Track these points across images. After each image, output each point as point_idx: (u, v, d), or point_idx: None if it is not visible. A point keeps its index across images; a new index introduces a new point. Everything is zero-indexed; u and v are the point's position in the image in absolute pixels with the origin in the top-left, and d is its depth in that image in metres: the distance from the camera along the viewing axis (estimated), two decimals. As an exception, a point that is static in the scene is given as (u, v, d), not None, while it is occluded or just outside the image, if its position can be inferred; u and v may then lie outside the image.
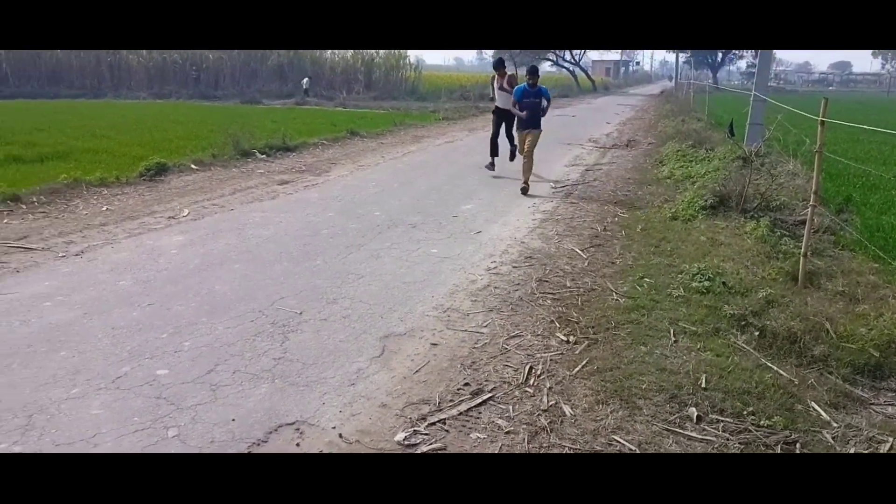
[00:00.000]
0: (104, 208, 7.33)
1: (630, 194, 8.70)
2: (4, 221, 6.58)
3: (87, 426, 2.96)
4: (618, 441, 2.94)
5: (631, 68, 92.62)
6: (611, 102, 34.80)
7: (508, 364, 3.75)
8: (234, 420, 3.06)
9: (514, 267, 5.52)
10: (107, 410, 3.11)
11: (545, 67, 62.27)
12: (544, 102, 8.90)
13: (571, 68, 53.22)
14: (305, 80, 32.21)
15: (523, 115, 8.79)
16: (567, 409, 3.23)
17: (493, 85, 10.25)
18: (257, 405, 3.20)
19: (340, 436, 2.97)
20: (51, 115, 18.23)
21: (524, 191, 8.64)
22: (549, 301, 4.72)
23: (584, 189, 9.15)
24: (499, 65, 10.06)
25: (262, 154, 11.46)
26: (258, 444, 2.88)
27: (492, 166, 10.12)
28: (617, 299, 4.69)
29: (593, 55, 65.83)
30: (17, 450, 2.77)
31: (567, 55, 53.07)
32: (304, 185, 8.99)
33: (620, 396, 3.32)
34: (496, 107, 10.01)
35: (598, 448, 2.90)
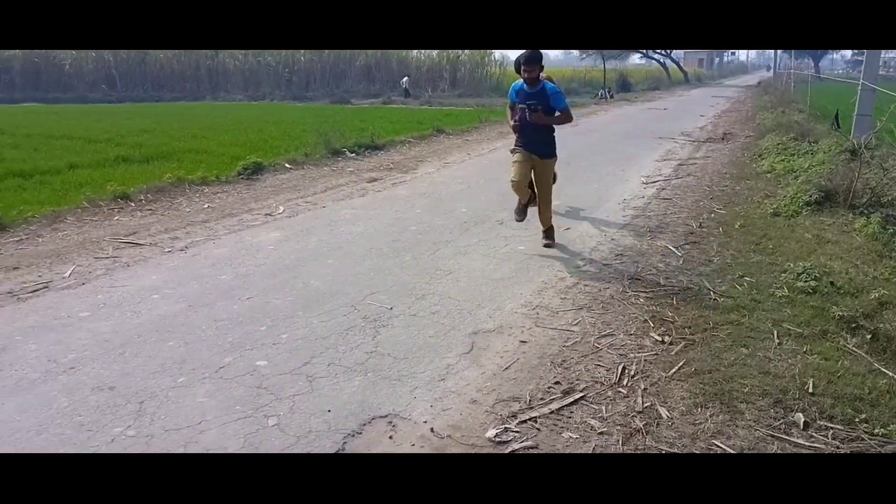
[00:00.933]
0: (206, 206, 7.70)
1: (727, 190, 8.35)
2: (116, 218, 7.03)
3: (194, 413, 3.12)
4: (718, 446, 2.83)
5: (726, 58, 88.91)
6: (704, 94, 33.56)
7: (600, 363, 3.68)
8: (329, 411, 3.14)
9: (605, 264, 5.41)
10: (211, 399, 3.26)
11: (634, 59, 60.71)
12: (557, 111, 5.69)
13: (662, 59, 51.58)
14: (405, 79, 32.44)
15: (526, 125, 5.69)
16: (663, 412, 3.13)
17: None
18: (351, 397, 3.27)
19: (432, 430, 3.00)
20: (155, 117, 19.33)
21: (549, 245, 5.92)
22: (641, 300, 4.59)
23: (677, 184, 8.85)
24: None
25: (352, 153, 11.73)
26: (353, 436, 2.95)
27: (521, 213, 6.18)
28: (715, 299, 4.51)
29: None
30: (131, 434, 2.94)
31: (657, 46, 51.45)
32: (392, 183, 9.14)
33: (721, 400, 3.19)
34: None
35: (697, 452, 2.80)
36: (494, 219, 6.93)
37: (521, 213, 6.13)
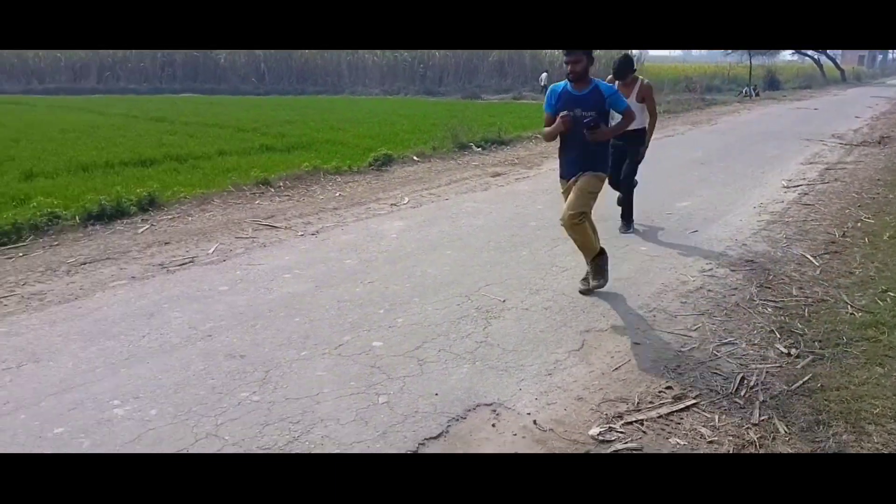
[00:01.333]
0: (337, 194, 8.10)
1: (878, 198, 7.67)
2: (256, 202, 7.55)
3: (313, 385, 3.33)
4: (839, 467, 2.65)
5: (890, 56, 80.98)
6: (862, 94, 30.83)
7: (718, 372, 3.54)
8: (437, 394, 3.24)
9: (733, 270, 5.16)
10: (329, 373, 3.46)
11: (784, 55, 56.71)
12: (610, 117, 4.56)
13: (816, 56, 47.83)
14: (543, 75, 31.97)
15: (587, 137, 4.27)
16: (781, 427, 2.97)
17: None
18: (458, 383, 3.36)
19: (535, 422, 3.02)
20: (298, 109, 20.47)
21: (592, 288, 4.60)
22: (769, 309, 4.35)
23: (822, 190, 8.23)
24: (624, 67, 5.75)
25: (478, 147, 11.87)
26: (457, 420, 3.03)
27: (627, 226, 6.24)
28: (852, 313, 4.19)
29: (845, 41, 58.19)
30: (255, 399, 3.19)
31: (812, 42, 47.74)
32: (515, 178, 9.17)
33: (846, 419, 2.98)
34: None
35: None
36: (617, 217, 6.77)
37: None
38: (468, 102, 26.20)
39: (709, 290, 4.71)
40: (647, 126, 6.10)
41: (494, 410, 3.13)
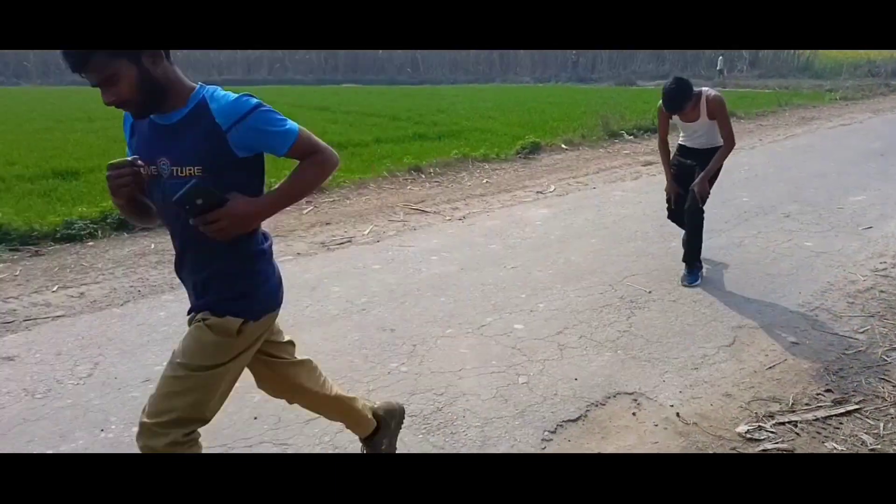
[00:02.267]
0: (484, 181, 8.25)
1: None
2: (409, 188, 7.88)
3: (456, 361, 3.47)
4: None
5: None
6: None
7: (886, 378, 3.27)
8: (576, 379, 3.27)
9: (912, 271, 4.70)
10: (471, 351, 3.59)
11: None
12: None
13: None
14: (720, 58, 30.06)
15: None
16: (957, 441, 2.71)
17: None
18: (599, 370, 3.36)
19: (678, 415, 2.96)
20: (450, 98, 20.93)
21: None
22: (954, 314, 3.93)
23: None
24: (676, 99, 4.19)
25: (630, 135, 11.55)
26: (596, 406, 3.04)
27: (693, 275, 4.58)
28: None
29: None
30: (403, 370, 3.38)
31: None
32: (669, 167, 8.84)
33: None
34: (680, 146, 4.76)
35: None
36: (780, 211, 6.37)
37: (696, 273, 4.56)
38: (622, 89, 25.48)
39: (881, 291, 4.33)
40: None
41: (635, 400, 3.11)
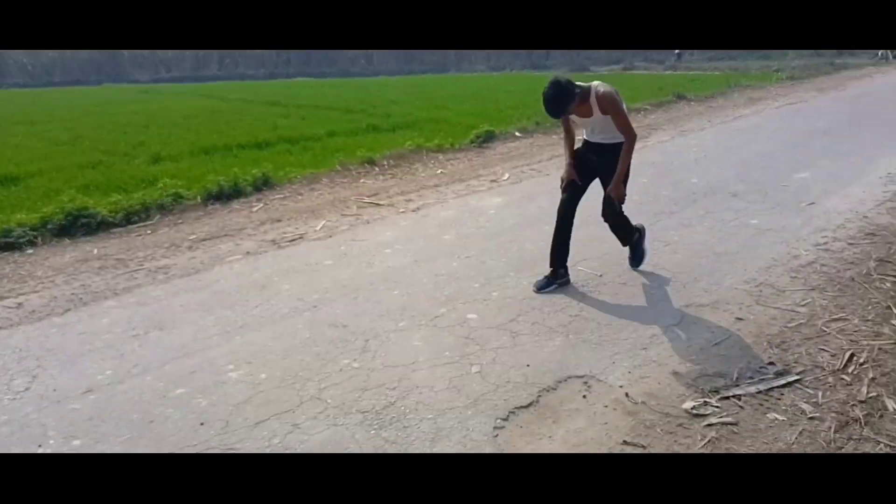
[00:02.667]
0: (438, 171, 8.22)
1: None
2: (361, 181, 7.81)
3: (409, 354, 3.46)
4: (957, 451, 2.48)
5: None
6: None
7: (825, 348, 3.37)
8: (528, 365, 3.29)
9: (850, 244, 4.84)
10: (425, 343, 3.58)
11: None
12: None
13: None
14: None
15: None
16: (891, 404, 2.80)
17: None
18: (551, 355, 3.38)
19: (627, 395, 3.00)
20: (404, 89, 20.81)
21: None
22: (888, 284, 4.06)
23: (963, 157, 7.50)
24: (555, 104, 3.95)
25: (582, 121, 11.64)
26: (548, 391, 3.06)
27: (554, 279, 4.31)
28: None
29: None
30: (355, 365, 3.35)
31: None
32: (620, 151, 8.93)
33: (970, 402, 2.76)
34: (584, 140, 4.43)
35: (930, 455, 2.48)
36: (727, 190, 6.49)
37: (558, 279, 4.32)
38: (576, 75, 25.61)
39: (822, 265, 4.45)
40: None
41: (586, 382, 3.14)
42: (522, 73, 29.56)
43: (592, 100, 4.03)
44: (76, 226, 5.76)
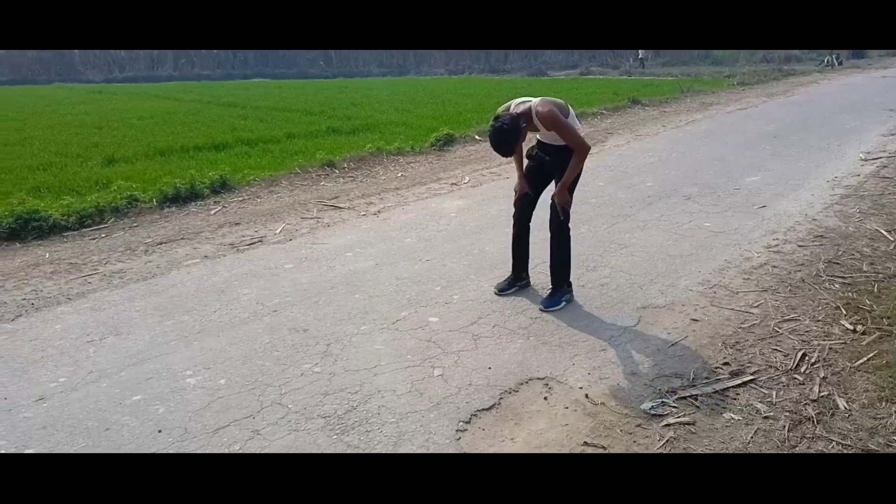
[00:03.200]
0: (399, 174, 8.22)
1: (967, 169, 7.23)
2: (322, 183, 7.76)
3: (370, 358, 3.45)
4: (900, 445, 2.59)
5: None
6: (959, 58, 28.80)
7: (778, 348, 3.47)
8: (490, 368, 3.32)
9: (800, 246, 5.00)
10: (387, 347, 3.58)
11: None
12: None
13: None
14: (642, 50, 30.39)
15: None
16: (841, 403, 2.91)
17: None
18: (512, 357, 3.42)
19: (587, 396, 3.05)
20: (364, 91, 20.74)
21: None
22: (836, 285, 4.21)
23: (903, 162, 7.82)
24: (501, 144, 3.87)
25: (542, 124, 11.77)
26: (509, 393, 3.10)
27: (515, 281, 4.34)
28: (926, 289, 4.02)
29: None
30: (317, 370, 3.34)
31: None
32: (578, 155, 9.06)
33: (911, 397, 2.89)
34: (537, 140, 4.23)
35: (874, 448, 2.58)
36: (682, 193, 6.65)
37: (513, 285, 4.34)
38: (533, 80, 25.93)
39: (773, 267, 4.59)
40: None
41: (547, 384, 3.18)
42: (482, 77, 29.74)
43: (536, 121, 3.88)
44: (27, 229, 5.60)
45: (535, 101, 3.91)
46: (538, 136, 4.17)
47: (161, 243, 5.47)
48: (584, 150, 3.95)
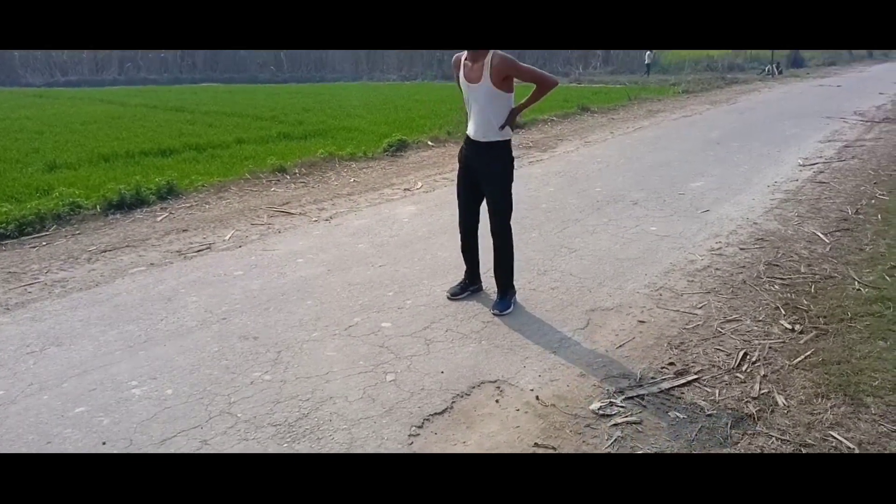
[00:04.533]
0: (351, 180, 8.19)
1: (895, 174, 7.59)
2: (272, 189, 7.67)
3: (322, 365, 3.43)
4: (834, 437, 2.70)
5: (922, 28, 78.90)
6: (889, 70, 30.24)
7: (720, 348, 3.58)
8: (442, 372, 3.33)
9: (742, 249, 5.17)
10: (339, 353, 3.56)
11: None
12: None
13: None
14: (648, 53, 30.05)
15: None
16: (780, 399, 3.02)
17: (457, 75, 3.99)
18: (464, 361, 3.44)
19: (537, 398, 3.10)
20: (316, 97, 20.58)
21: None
22: (776, 286, 4.37)
23: (838, 168, 8.16)
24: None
25: (493, 130, 11.87)
26: (462, 396, 3.12)
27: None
28: (858, 289, 4.20)
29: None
30: (267, 378, 3.30)
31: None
32: (528, 161, 9.18)
33: (845, 392, 3.02)
34: (465, 137, 4.12)
35: (811, 442, 2.69)
36: (629, 199, 6.80)
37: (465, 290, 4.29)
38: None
39: (716, 269, 4.74)
40: (508, 126, 3.83)
41: (498, 387, 3.21)
42: (435, 83, 29.83)
43: (487, 60, 3.57)
44: (-40, 238, 5.38)
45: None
46: (467, 125, 3.96)
47: (105, 251, 5.32)
48: (550, 82, 3.73)
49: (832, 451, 2.63)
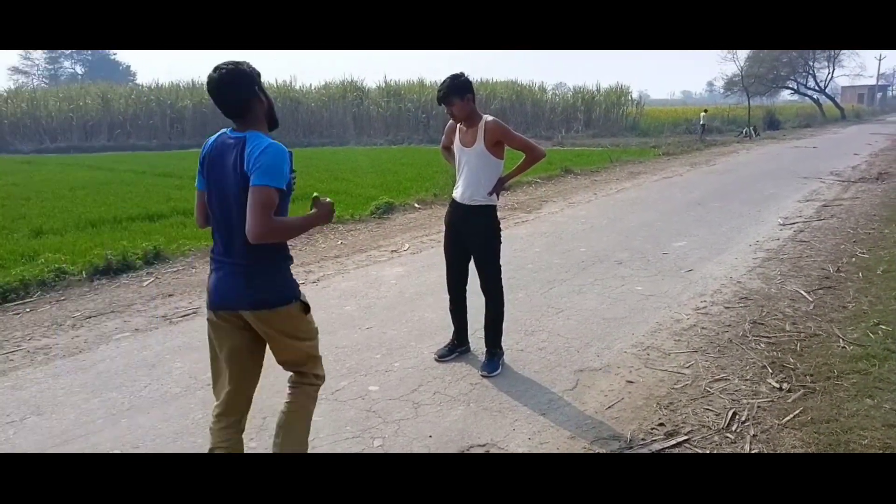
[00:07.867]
0: (339, 242, 8.23)
1: (874, 233, 7.75)
2: (260, 253, 7.68)
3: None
4: (826, 499, 2.68)
5: (890, 93, 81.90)
6: (862, 131, 31.16)
7: (710, 408, 3.58)
8: (430, 437, 3.29)
9: (727, 307, 5.21)
10: (325, 418, 3.51)
11: (784, 95, 57.39)
12: None
13: (816, 96, 48.60)
14: (702, 113, 30.67)
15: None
16: (770, 460, 3.00)
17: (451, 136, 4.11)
18: (453, 425, 3.41)
19: (527, 462, 3.06)
20: (304, 161, 20.82)
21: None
22: (762, 345, 4.40)
23: (817, 227, 8.32)
24: (451, 91, 3.76)
25: (479, 193, 12.04)
26: (450, 461, 3.07)
27: (454, 347, 4.33)
28: (843, 347, 4.23)
29: (843, 81, 59.15)
30: (252, 445, 3.24)
31: (811, 81, 48.44)
32: (514, 222, 9.29)
33: (835, 450, 3.00)
34: (451, 202, 4.23)
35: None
36: (613, 259, 6.87)
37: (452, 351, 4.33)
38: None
39: (702, 328, 4.77)
40: (495, 190, 3.95)
41: (488, 451, 3.17)
42: (421, 147, 30.34)
43: (481, 125, 3.78)
44: (-58, 305, 5.33)
45: (488, 116, 3.88)
46: (454, 188, 4.09)
47: (90, 317, 5.28)
48: (539, 153, 3.98)
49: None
